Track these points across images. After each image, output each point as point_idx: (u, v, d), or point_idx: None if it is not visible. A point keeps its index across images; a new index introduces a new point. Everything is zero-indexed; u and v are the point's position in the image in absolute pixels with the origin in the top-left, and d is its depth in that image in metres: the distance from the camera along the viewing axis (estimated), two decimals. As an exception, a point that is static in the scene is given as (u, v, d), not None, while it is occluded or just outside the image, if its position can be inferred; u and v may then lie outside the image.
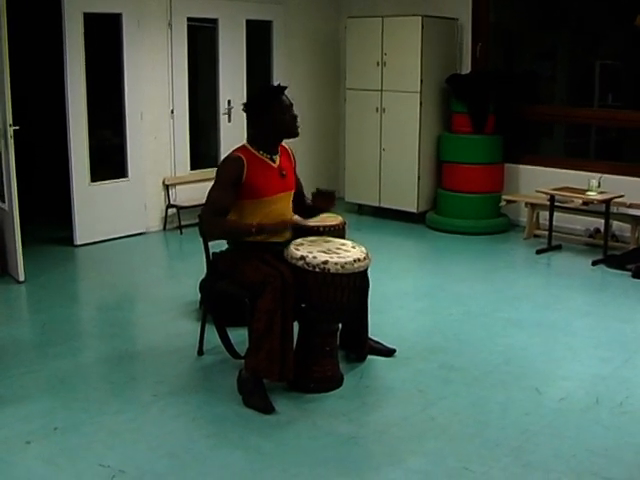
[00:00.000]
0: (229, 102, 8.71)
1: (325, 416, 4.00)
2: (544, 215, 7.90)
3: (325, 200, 4.47)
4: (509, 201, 8.25)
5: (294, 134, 4.43)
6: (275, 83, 4.48)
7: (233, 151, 4.41)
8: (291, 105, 4.40)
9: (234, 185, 4.26)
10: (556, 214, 7.54)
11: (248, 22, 8.81)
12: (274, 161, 4.43)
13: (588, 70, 9.01)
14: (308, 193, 4.59)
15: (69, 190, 7.52)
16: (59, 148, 7.62)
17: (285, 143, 4.58)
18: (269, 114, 4.31)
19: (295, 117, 4.40)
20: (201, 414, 4.04)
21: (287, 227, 4.42)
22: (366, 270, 4.31)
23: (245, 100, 4.53)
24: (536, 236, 8.04)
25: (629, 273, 6.67)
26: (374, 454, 3.71)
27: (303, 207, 4.67)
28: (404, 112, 8.57)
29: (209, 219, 4.30)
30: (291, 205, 4.56)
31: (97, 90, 7.61)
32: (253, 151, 4.39)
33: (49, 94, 8.36)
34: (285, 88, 4.42)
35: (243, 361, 4.24)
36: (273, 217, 4.36)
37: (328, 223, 5.39)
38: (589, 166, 8.03)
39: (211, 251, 4.65)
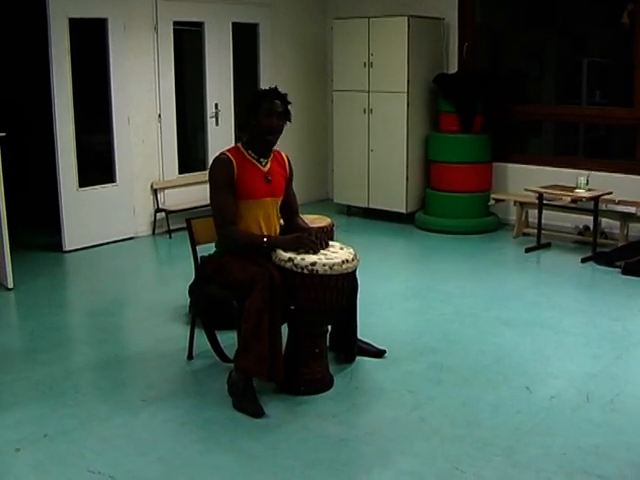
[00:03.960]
0: (216, 105, 8.69)
1: (315, 418, 4.00)
2: (533, 213, 7.91)
3: None
4: (498, 200, 8.27)
5: (268, 140, 4.38)
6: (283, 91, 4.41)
7: (222, 152, 4.40)
8: (282, 114, 4.32)
9: (230, 186, 4.26)
10: (545, 212, 7.56)
11: (234, 25, 8.80)
12: (262, 164, 4.40)
13: (576, 68, 9.04)
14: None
15: (57, 196, 7.50)
16: (48, 153, 7.59)
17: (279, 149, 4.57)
18: (256, 113, 4.29)
19: (278, 128, 4.32)
20: (191, 418, 4.03)
21: (299, 245, 4.18)
22: (355, 271, 4.30)
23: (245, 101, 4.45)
24: (525, 234, 8.05)
25: (618, 270, 6.68)
26: (364, 455, 3.70)
27: (293, 224, 4.62)
28: (392, 112, 8.57)
29: (223, 230, 4.28)
30: (278, 212, 4.54)
31: (84, 95, 7.58)
32: (243, 151, 4.38)
33: (40, 99, 8.32)
34: (282, 95, 4.34)
35: (233, 363, 4.23)
36: (260, 220, 4.36)
37: (317, 225, 5.37)
38: (577, 164, 8.07)
39: (199, 254, 4.64)
